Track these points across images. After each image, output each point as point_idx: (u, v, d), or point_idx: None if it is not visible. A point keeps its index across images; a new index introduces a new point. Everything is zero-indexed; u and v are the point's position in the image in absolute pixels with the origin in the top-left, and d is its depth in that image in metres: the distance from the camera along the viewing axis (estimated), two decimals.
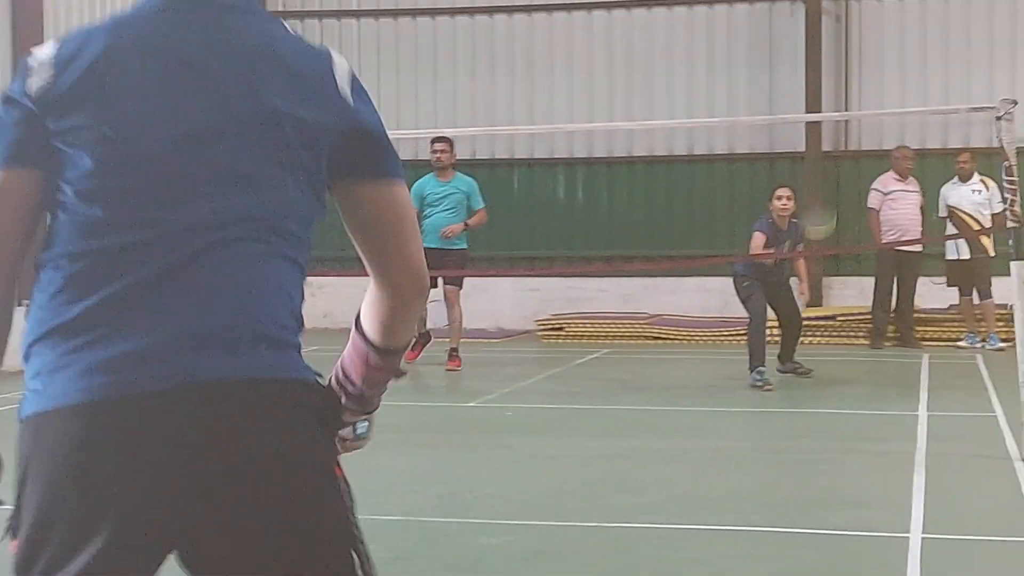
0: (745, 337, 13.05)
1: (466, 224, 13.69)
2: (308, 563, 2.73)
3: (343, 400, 3.04)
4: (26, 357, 2.75)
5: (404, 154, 16.39)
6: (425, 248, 9.48)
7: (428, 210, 13.61)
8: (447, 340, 13.90)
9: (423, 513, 7.05)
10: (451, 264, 13.36)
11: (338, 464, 2.92)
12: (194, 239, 2.73)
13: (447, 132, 15.75)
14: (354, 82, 2.99)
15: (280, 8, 19.81)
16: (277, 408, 2.72)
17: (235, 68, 2.85)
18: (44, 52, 2.87)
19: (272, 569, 2.67)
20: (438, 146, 13.88)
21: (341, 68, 2.95)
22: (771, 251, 12.53)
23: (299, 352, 2.78)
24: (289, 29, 3.01)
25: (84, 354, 2.66)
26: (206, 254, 2.73)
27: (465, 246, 13.99)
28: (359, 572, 2.80)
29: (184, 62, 2.83)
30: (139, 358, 2.61)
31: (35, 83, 2.81)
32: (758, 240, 12.60)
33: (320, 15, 19.58)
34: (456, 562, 6.05)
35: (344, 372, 3.08)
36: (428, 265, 8.74)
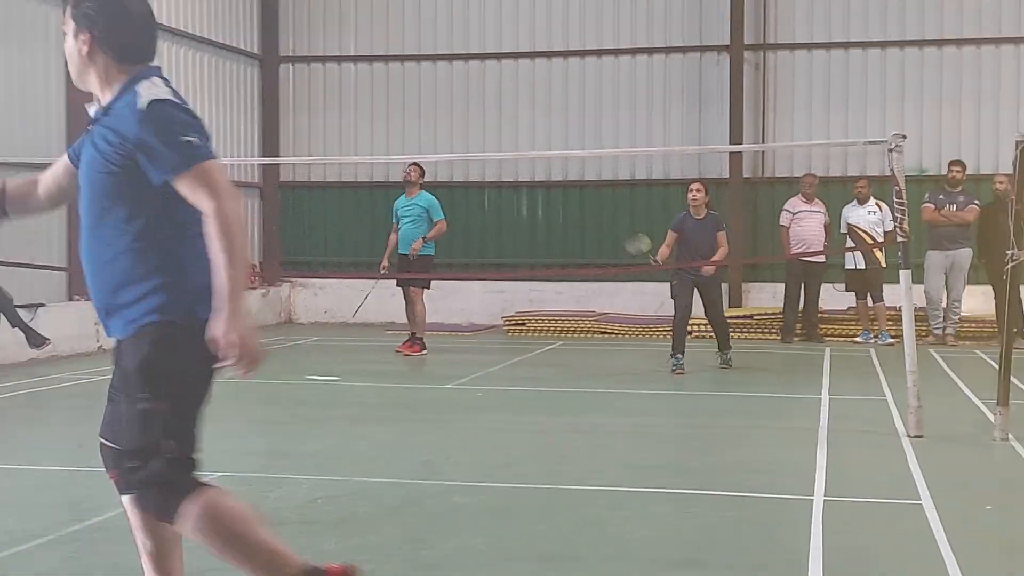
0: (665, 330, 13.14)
1: (424, 238, 13.72)
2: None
3: None
4: None
5: (394, 176, 16.40)
6: (399, 254, 9.66)
7: (400, 222, 13.99)
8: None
9: (408, 476, 7.04)
10: (415, 268, 13.91)
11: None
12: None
13: (430, 158, 15.83)
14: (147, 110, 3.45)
15: (290, 53, 19.58)
16: None
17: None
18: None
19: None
20: (409, 167, 14.17)
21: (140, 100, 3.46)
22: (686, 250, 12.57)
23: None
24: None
25: None
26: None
27: (431, 252, 14.15)
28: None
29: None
30: None
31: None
32: (670, 237, 12.66)
33: (324, 60, 19.44)
34: (435, 517, 6.05)
35: None
36: (401, 267, 9.29)
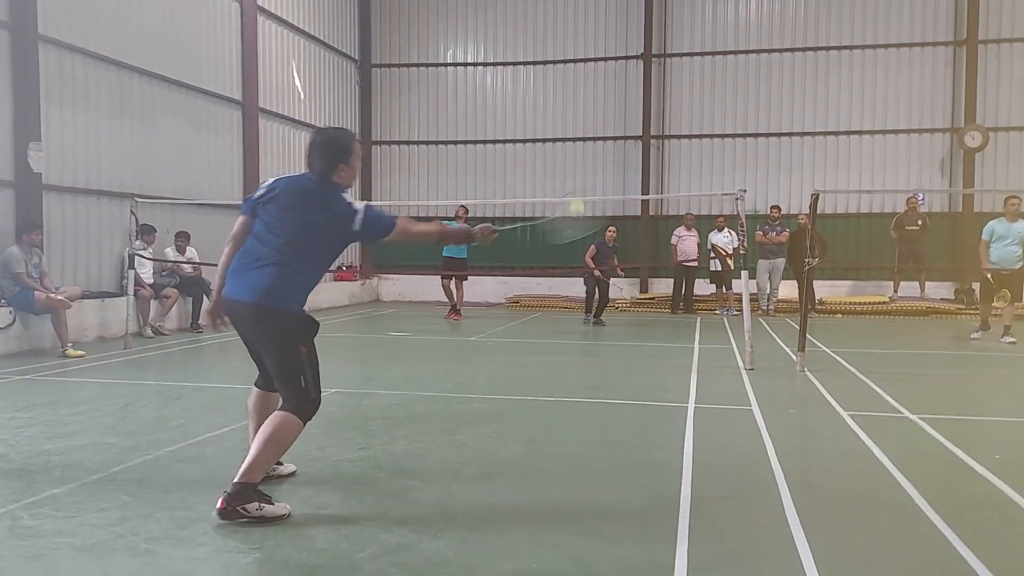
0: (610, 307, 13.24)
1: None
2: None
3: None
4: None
5: (445, 213, 16.30)
6: (446, 256, 9.69)
7: None
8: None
9: (444, 391, 7.05)
10: (457, 267, 14.04)
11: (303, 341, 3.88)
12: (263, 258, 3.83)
13: (465, 202, 15.88)
14: (363, 222, 3.85)
15: (378, 139, 19.57)
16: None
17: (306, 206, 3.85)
18: (267, 182, 4.01)
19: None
20: (459, 208, 14.13)
21: (357, 218, 3.85)
22: (599, 262, 13.63)
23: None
24: (332, 194, 3.89)
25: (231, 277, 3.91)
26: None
27: (465, 256, 14.20)
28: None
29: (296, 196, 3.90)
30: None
31: (259, 192, 4.00)
32: (591, 250, 13.85)
33: (399, 143, 19.45)
34: (462, 416, 6.05)
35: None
36: (446, 267, 9.31)
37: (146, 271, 11.29)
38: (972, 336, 11.21)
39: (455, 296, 14.14)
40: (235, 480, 3.70)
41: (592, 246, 13.76)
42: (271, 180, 4.01)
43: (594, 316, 13.58)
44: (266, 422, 3.83)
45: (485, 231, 4.16)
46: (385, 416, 6.02)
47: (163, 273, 11.79)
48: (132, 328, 10.20)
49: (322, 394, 3.95)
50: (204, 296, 12.02)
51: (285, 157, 16.19)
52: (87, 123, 11.14)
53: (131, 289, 10.21)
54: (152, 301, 11.26)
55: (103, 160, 11.40)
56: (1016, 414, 6.32)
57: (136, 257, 10.45)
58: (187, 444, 5.10)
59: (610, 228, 14.02)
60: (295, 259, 3.80)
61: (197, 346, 10.35)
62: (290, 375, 3.82)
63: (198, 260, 12.18)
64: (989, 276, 10.69)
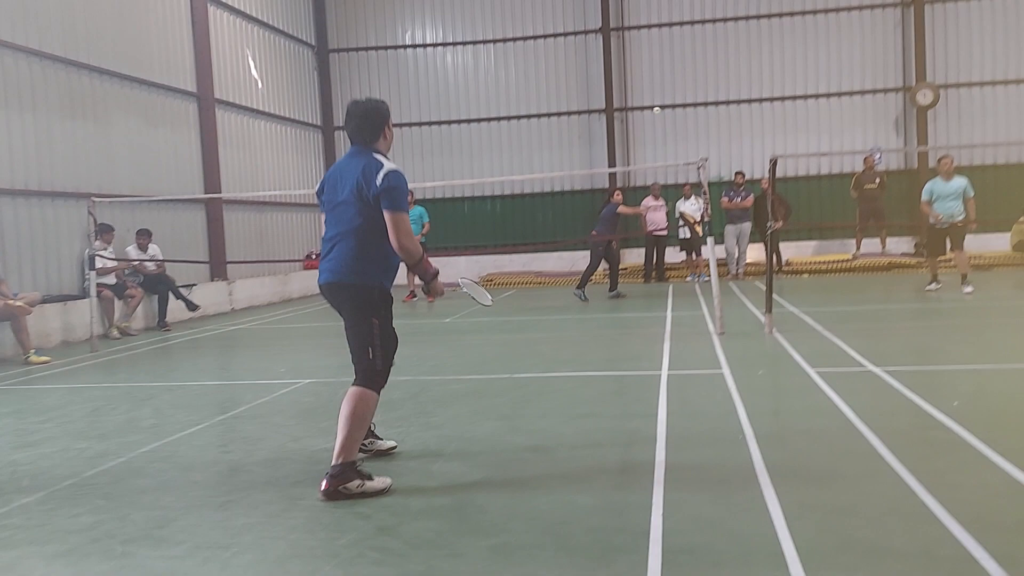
0: (576, 280, 13.27)
1: (422, 233, 13.94)
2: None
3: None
4: None
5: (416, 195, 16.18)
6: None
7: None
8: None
9: (421, 374, 7.04)
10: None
11: (376, 314, 4.05)
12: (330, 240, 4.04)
13: (436, 184, 15.76)
14: (385, 176, 3.91)
15: (340, 125, 19.36)
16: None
17: (351, 176, 3.98)
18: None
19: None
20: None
21: (383, 170, 3.92)
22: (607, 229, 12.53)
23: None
24: (378, 157, 4.04)
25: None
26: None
27: (423, 241, 13.83)
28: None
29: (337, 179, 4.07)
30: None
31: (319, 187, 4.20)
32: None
33: None
34: (439, 397, 6.05)
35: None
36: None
37: (107, 273, 11.10)
38: (927, 288, 11.53)
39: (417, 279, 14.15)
40: (333, 462, 3.85)
41: (606, 213, 12.54)
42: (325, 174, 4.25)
43: (610, 289, 13.00)
44: (344, 402, 3.96)
45: (438, 287, 4.25)
46: None
47: (126, 272, 11.61)
48: (97, 330, 10.04)
49: (390, 366, 4.12)
50: (170, 293, 11.88)
51: (246, 148, 15.97)
52: (37, 124, 10.88)
53: (93, 291, 10.03)
54: (117, 301, 11.09)
55: (56, 160, 11.16)
56: (972, 361, 6.48)
57: (97, 257, 10.26)
58: (160, 444, 5.04)
59: (616, 192, 12.99)
60: (358, 233, 3.94)
61: (166, 345, 10.22)
62: (361, 345, 4.00)
63: (161, 257, 12.01)
64: (934, 223, 11.12)
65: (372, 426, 4.40)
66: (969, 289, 10.90)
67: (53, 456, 4.88)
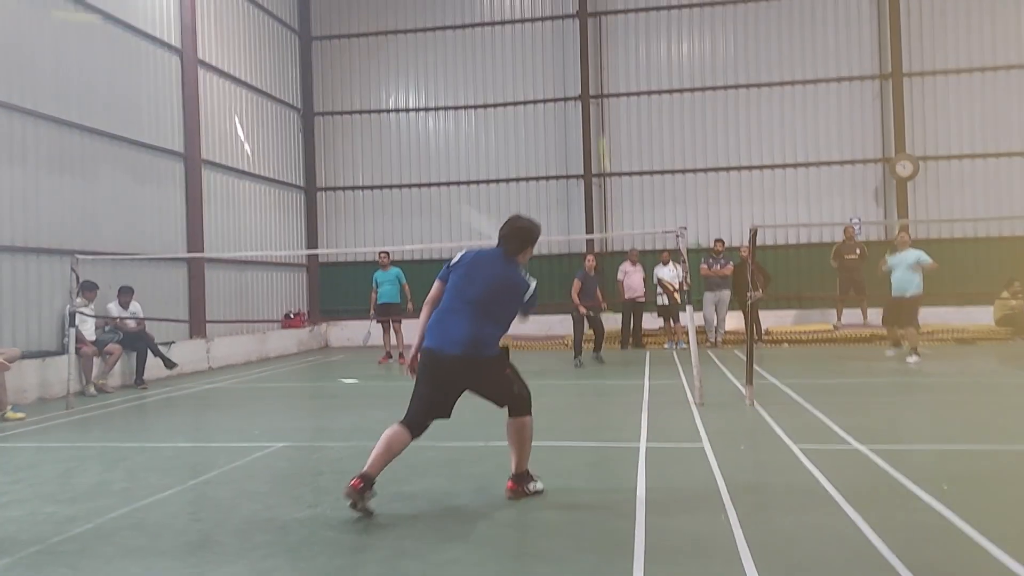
0: (563, 345, 13.15)
1: (406, 297, 14.22)
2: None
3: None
4: (428, 329, 4.83)
5: (371, 257, 16.23)
6: (382, 303, 9.72)
7: (380, 286, 14.19)
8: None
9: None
10: (395, 312, 14.24)
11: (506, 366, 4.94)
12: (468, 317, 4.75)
13: (407, 248, 15.78)
14: (533, 292, 4.91)
15: (323, 186, 19.50)
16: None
17: (493, 279, 4.81)
18: (460, 253, 4.99)
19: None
20: (380, 254, 14.45)
21: (529, 290, 4.89)
22: (584, 296, 12.94)
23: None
24: (520, 274, 4.90)
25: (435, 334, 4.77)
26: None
27: (398, 300, 14.22)
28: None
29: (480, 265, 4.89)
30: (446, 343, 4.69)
31: (453, 260, 4.93)
32: (576, 285, 13.08)
33: (343, 189, 19.39)
34: (413, 465, 5.87)
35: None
36: (382, 312, 9.62)
37: (88, 327, 10.99)
38: (887, 354, 12.59)
39: (393, 340, 14.22)
40: (513, 472, 4.99)
41: (576, 280, 13.08)
42: (461, 253, 4.99)
43: (594, 351, 13.18)
44: (511, 431, 4.99)
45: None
46: (335, 470, 5.90)
47: (106, 329, 11.50)
48: (75, 387, 9.87)
49: (529, 391, 5.10)
50: (148, 351, 11.76)
51: (230, 208, 16.02)
52: (25, 179, 10.89)
53: (72, 347, 9.91)
54: (95, 358, 10.95)
55: (42, 216, 11.14)
56: (961, 441, 6.42)
57: (78, 314, 10.16)
58: (130, 509, 4.93)
59: (589, 257, 13.77)
60: (487, 315, 4.73)
61: (141, 403, 10.06)
62: (507, 390, 4.94)
63: (142, 315, 11.92)
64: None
65: (371, 486, 4.67)
66: (913, 359, 11.66)
67: (20, 520, 4.76)
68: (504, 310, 4.83)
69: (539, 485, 5.01)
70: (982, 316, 16.03)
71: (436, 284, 4.93)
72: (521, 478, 4.96)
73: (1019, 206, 16.78)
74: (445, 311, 4.78)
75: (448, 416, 4.90)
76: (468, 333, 4.68)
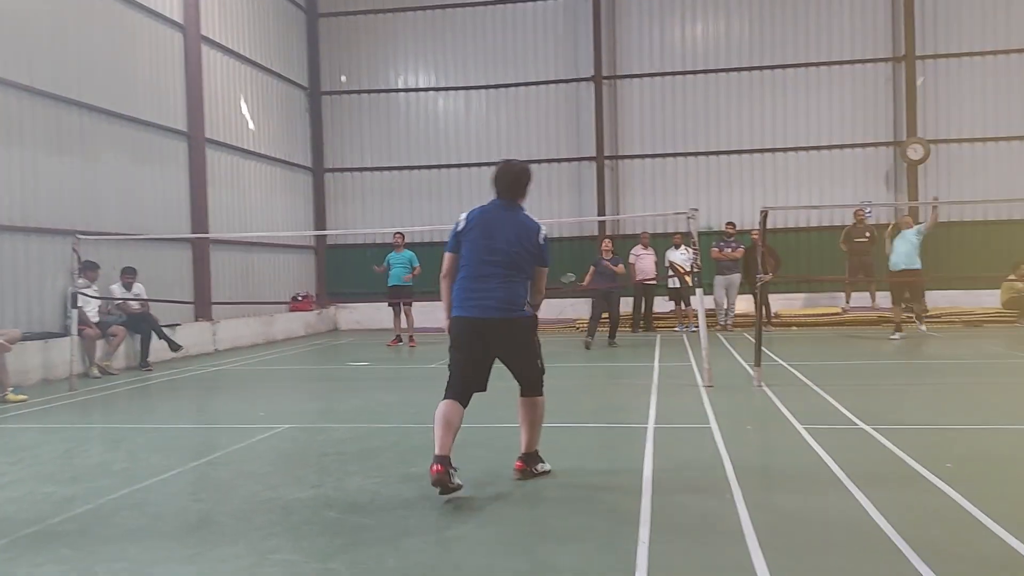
0: (575, 328, 13.08)
1: (412, 275, 14.01)
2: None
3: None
4: (454, 301, 4.84)
5: (380, 239, 16.18)
6: (393, 286, 9.70)
7: (392, 267, 14.05)
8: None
9: (402, 422, 6.94)
10: (405, 294, 13.98)
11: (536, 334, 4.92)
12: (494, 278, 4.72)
13: (415, 229, 15.70)
14: (544, 237, 4.80)
15: (331, 167, 19.42)
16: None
17: (508, 227, 4.74)
18: (462, 216, 4.83)
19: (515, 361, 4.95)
20: (395, 235, 14.23)
21: (541, 232, 4.80)
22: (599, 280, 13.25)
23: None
24: (529, 216, 4.84)
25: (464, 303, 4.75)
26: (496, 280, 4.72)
27: (410, 284, 14.09)
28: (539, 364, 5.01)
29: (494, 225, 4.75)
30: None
31: (459, 225, 4.81)
32: (590, 272, 13.57)
33: (351, 170, 19.32)
34: (419, 447, 5.85)
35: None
36: (392, 295, 9.47)
37: (91, 309, 10.98)
38: (893, 338, 12.65)
39: (404, 323, 14.07)
40: (523, 452, 4.97)
41: (591, 267, 13.65)
42: (464, 215, 4.84)
43: (609, 337, 13.44)
44: (524, 410, 4.96)
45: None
46: (340, 451, 5.88)
47: (110, 311, 11.49)
48: (78, 369, 9.90)
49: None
50: (152, 333, 11.75)
51: (235, 188, 15.97)
52: (23, 158, 10.85)
53: (75, 329, 9.91)
54: (98, 340, 10.95)
55: (41, 196, 11.11)
56: (964, 422, 6.42)
57: (80, 295, 10.15)
58: (131, 490, 4.91)
59: (605, 240, 14.26)
60: (524, 276, 4.74)
61: (145, 385, 10.07)
62: (532, 360, 4.92)
63: (145, 296, 11.90)
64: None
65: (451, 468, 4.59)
66: (896, 336, 12.54)
67: (20, 500, 4.74)
68: (527, 261, 4.73)
69: (546, 466, 4.99)
70: (990, 299, 15.92)
71: (448, 257, 4.84)
72: (530, 458, 4.96)
73: None
74: (470, 278, 4.70)
75: (484, 388, 4.89)
76: (501, 295, 4.65)
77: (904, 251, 12.79)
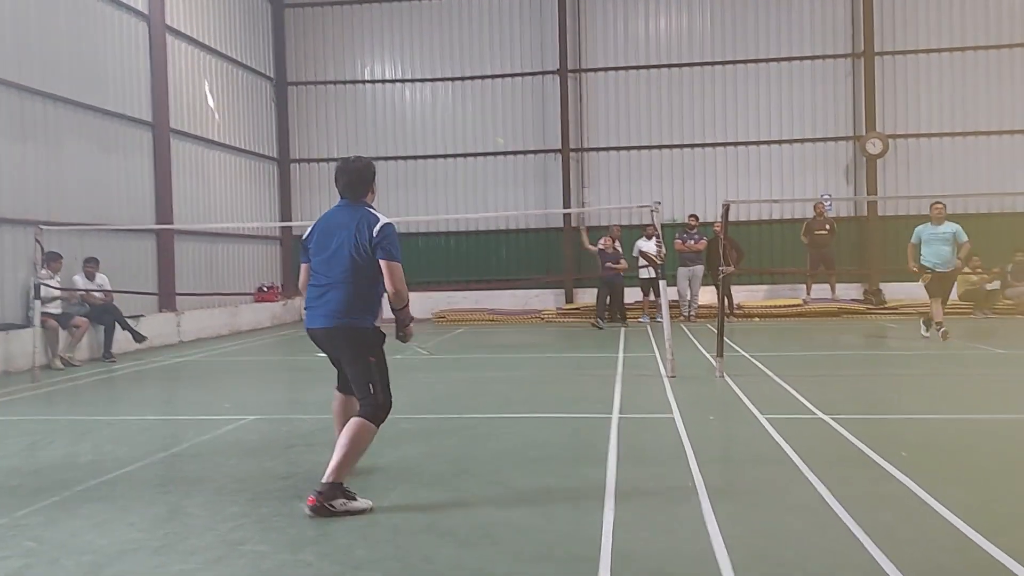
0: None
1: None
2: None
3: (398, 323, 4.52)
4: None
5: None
6: None
7: None
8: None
9: None
10: None
11: (372, 353, 4.35)
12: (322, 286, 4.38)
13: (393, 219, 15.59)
14: (381, 228, 4.36)
15: (296, 157, 19.23)
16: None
17: (344, 228, 4.40)
18: (308, 231, 4.59)
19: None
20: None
21: (380, 223, 4.38)
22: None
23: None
24: (372, 211, 4.50)
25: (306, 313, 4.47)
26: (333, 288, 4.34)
27: None
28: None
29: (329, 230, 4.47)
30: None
31: (305, 234, 4.60)
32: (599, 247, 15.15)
33: (319, 160, 19.15)
34: (387, 437, 5.74)
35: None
36: None
37: (53, 301, 10.79)
38: (923, 335, 11.53)
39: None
40: (324, 480, 4.15)
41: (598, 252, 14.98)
42: (312, 225, 4.62)
43: (620, 320, 14.62)
44: (345, 428, 4.28)
45: (411, 331, 4.60)
46: (308, 442, 5.87)
47: (72, 302, 11.30)
48: (40, 360, 9.72)
49: (391, 398, 4.39)
50: (116, 324, 11.59)
51: (200, 178, 15.76)
52: None
53: (38, 320, 9.73)
54: (61, 331, 10.77)
55: (3, 186, 10.87)
56: (919, 411, 6.60)
57: (42, 286, 9.97)
58: (98, 482, 4.86)
59: (605, 236, 15.43)
60: (353, 281, 4.32)
61: (109, 377, 9.93)
62: (363, 383, 4.32)
63: (109, 287, 11.72)
64: (928, 276, 11.10)
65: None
66: (927, 333, 11.32)
67: None
68: (365, 259, 4.32)
69: (360, 503, 4.19)
70: None
71: (302, 268, 4.60)
72: (330, 491, 4.13)
73: (985, 184, 16.99)
74: (312, 286, 4.44)
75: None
76: (333, 301, 4.32)
77: (940, 249, 10.99)
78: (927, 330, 11.53)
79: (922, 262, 11.10)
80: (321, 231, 4.49)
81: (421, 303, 17.68)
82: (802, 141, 17.85)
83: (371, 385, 4.29)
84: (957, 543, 3.54)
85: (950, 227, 11.00)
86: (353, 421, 4.27)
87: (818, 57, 17.75)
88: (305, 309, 4.51)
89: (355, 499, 4.17)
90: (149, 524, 4.08)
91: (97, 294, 11.50)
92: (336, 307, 4.32)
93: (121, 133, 13.35)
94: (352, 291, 4.33)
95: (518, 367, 10.12)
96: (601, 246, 15.43)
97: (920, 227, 11.28)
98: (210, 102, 16.22)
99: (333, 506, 4.08)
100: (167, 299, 14.15)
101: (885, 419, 6.34)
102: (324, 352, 4.54)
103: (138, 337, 11.95)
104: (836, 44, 17.74)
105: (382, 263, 4.33)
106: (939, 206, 11.10)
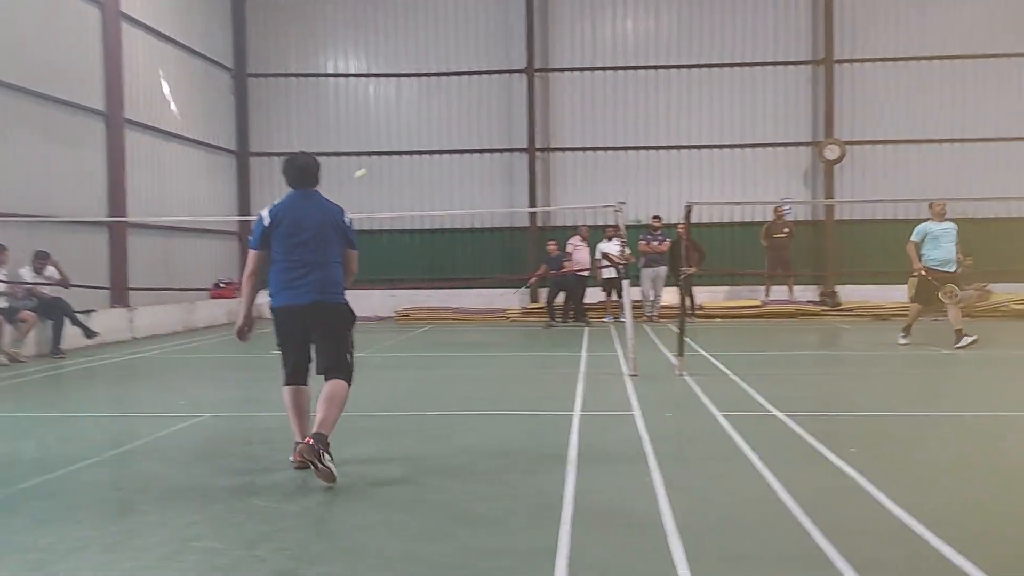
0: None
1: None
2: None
3: None
4: (271, 292, 4.82)
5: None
6: None
7: None
8: None
9: None
10: None
11: (350, 326, 4.94)
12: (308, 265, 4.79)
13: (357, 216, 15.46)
14: (349, 219, 4.99)
15: (257, 151, 19.00)
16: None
17: (312, 213, 4.88)
18: (264, 213, 4.88)
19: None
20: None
21: (345, 213, 5.00)
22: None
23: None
24: (329, 200, 5.00)
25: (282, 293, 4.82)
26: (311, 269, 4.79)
27: None
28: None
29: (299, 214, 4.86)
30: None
31: (265, 221, 4.86)
32: (542, 268, 15.49)
33: (279, 154, 18.93)
34: (345, 435, 5.72)
35: None
36: None
37: None
38: (900, 342, 10.91)
39: None
40: (315, 430, 4.54)
41: (542, 264, 15.40)
42: (266, 211, 4.88)
43: (582, 320, 15.03)
44: (327, 389, 4.74)
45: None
46: (265, 440, 5.83)
47: (19, 296, 11.03)
48: None
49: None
50: (66, 319, 11.35)
51: (156, 171, 15.50)
52: None
53: None
54: (6, 326, 10.52)
55: None
56: (869, 409, 6.80)
57: None
58: (43, 480, 4.77)
59: (551, 242, 15.88)
60: (337, 260, 4.86)
61: (58, 373, 9.73)
62: (342, 351, 4.83)
63: (58, 279, 11.47)
64: (929, 277, 10.45)
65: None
66: (971, 338, 10.17)
67: None
68: (336, 243, 4.88)
69: (330, 466, 4.47)
70: (898, 294, 16.65)
71: (253, 255, 4.86)
72: (322, 438, 4.52)
73: (939, 191, 17.36)
74: (286, 269, 4.78)
75: (310, 360, 4.93)
76: (317, 279, 4.76)
77: (944, 249, 10.42)
78: (905, 337, 10.93)
79: (926, 262, 10.43)
80: (289, 218, 4.79)
81: (383, 300, 17.61)
82: (763, 146, 18.12)
83: (348, 355, 4.85)
84: (902, 535, 3.65)
85: (951, 224, 10.45)
86: (334, 383, 4.74)
87: (780, 63, 18.04)
88: (280, 291, 4.78)
89: (331, 459, 4.48)
90: (99, 521, 4.02)
91: (45, 288, 11.25)
92: (326, 284, 4.78)
93: (72, 123, 13.08)
94: (337, 271, 4.86)
95: (481, 366, 10.13)
96: (570, 248, 15.61)
97: (924, 224, 10.59)
98: (166, 92, 15.95)
99: (328, 455, 4.44)
100: (120, 294, 13.89)
101: (837, 416, 6.51)
102: (294, 332, 4.82)
103: (89, 333, 11.72)
104: (798, 51, 18.05)
105: (350, 251, 4.96)
106: (941, 202, 10.51)
